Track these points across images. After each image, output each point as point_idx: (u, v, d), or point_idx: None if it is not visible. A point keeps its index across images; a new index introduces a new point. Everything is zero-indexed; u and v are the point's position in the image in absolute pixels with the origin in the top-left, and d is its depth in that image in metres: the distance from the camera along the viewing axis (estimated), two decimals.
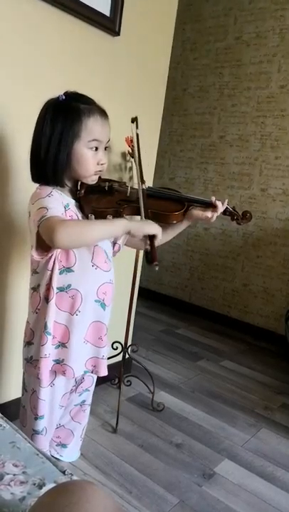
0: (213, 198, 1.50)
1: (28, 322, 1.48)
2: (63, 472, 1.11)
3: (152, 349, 3.24)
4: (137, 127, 1.43)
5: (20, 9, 1.67)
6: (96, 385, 1.71)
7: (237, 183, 3.84)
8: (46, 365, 1.41)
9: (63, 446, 1.75)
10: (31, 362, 1.45)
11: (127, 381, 2.54)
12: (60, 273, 1.37)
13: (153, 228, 1.29)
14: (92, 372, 1.52)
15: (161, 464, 1.99)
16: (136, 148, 1.45)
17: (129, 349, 2.46)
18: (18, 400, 1.89)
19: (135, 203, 1.39)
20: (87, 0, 1.84)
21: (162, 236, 1.54)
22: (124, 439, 2.12)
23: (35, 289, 1.43)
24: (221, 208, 1.48)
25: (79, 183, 1.40)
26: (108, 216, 1.38)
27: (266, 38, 3.58)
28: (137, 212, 1.39)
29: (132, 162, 2.25)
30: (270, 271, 3.71)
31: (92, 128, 1.31)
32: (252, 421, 2.45)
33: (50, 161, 1.31)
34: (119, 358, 2.36)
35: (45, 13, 1.75)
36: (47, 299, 1.38)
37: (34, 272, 1.43)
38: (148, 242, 1.28)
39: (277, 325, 3.68)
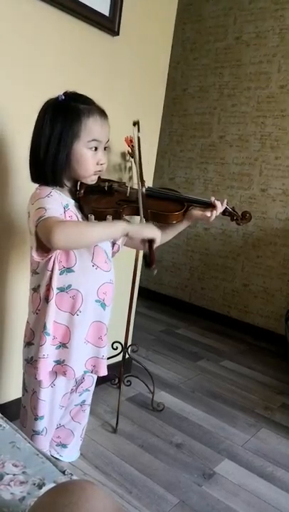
0: (213, 198, 1.50)
1: (28, 322, 1.48)
2: (63, 472, 1.11)
3: (152, 349, 3.24)
4: (138, 130, 1.42)
5: (19, 9, 1.67)
6: (96, 385, 1.71)
7: (237, 183, 3.84)
8: (45, 366, 1.41)
9: (63, 446, 1.75)
10: (31, 362, 1.45)
11: (127, 381, 2.54)
12: (61, 273, 1.37)
13: (152, 232, 1.29)
14: (91, 372, 1.52)
15: (161, 463, 1.99)
16: (136, 151, 1.45)
17: (129, 349, 2.46)
18: (18, 400, 1.89)
19: (135, 203, 1.39)
20: (86, 0, 1.84)
21: (162, 236, 1.54)
22: (124, 439, 2.12)
23: (35, 289, 1.43)
24: (220, 207, 1.48)
25: (78, 183, 1.40)
26: (108, 216, 1.38)
27: (266, 38, 3.58)
28: (136, 212, 1.39)
29: (131, 162, 2.25)
30: (270, 271, 3.71)
31: (91, 128, 1.31)
32: (252, 421, 2.45)
33: (50, 161, 1.31)
34: (119, 358, 2.36)
35: (45, 13, 1.75)
36: (47, 300, 1.38)
37: (34, 272, 1.43)
38: (147, 245, 1.28)
39: (277, 325, 3.68)
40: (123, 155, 2.24)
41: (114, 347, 2.33)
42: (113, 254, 1.56)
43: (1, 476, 1.05)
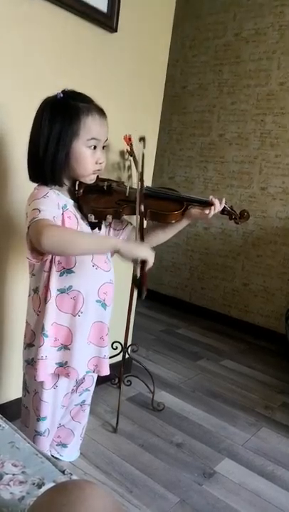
0: (211, 197, 1.48)
1: (28, 324, 1.47)
2: (63, 472, 1.10)
3: (152, 349, 3.23)
4: (144, 147, 1.41)
5: (17, 7, 1.66)
6: (96, 385, 1.71)
7: (237, 182, 3.84)
8: (44, 367, 1.40)
9: (63, 445, 1.75)
10: (32, 364, 1.44)
11: (127, 381, 2.53)
12: (61, 275, 1.36)
13: (145, 252, 1.22)
14: (94, 371, 1.52)
15: (162, 463, 1.98)
16: (140, 166, 1.44)
17: (129, 349, 2.46)
18: (17, 400, 1.89)
19: (134, 203, 1.38)
20: None
21: (162, 235, 1.54)
22: (124, 439, 2.12)
23: (35, 291, 1.42)
24: (218, 205, 1.47)
25: (77, 183, 1.40)
26: (108, 216, 1.38)
27: (266, 34, 3.57)
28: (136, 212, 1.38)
29: (130, 161, 2.25)
30: (270, 270, 3.71)
31: (90, 126, 1.30)
32: (252, 420, 2.44)
33: (49, 160, 1.30)
34: (120, 357, 2.35)
35: (43, 10, 1.74)
36: (45, 301, 1.38)
37: (32, 274, 1.43)
38: (138, 266, 1.21)
39: (277, 324, 3.67)
40: (122, 153, 2.23)
41: (114, 347, 2.32)
42: (112, 254, 1.55)
43: (0, 476, 1.05)
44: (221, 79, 3.87)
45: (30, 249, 1.28)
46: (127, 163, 2.28)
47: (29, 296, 1.47)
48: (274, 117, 3.56)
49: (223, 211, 1.50)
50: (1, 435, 1.22)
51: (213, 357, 3.24)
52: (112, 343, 2.32)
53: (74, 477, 1.10)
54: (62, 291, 1.38)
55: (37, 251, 1.27)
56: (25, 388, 1.54)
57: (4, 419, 1.30)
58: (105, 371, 1.51)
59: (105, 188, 1.45)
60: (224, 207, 1.50)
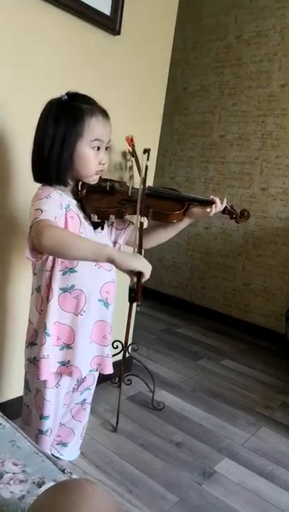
0: (212, 197, 1.49)
1: (31, 322, 1.48)
2: (63, 471, 1.11)
3: (153, 348, 3.24)
4: (148, 159, 1.42)
5: (21, 8, 1.67)
6: (96, 384, 1.72)
7: (237, 182, 3.84)
8: (46, 366, 1.41)
9: (64, 445, 1.76)
10: (34, 363, 1.45)
11: (128, 380, 2.54)
12: (63, 274, 1.37)
13: (141, 264, 1.19)
14: (96, 370, 1.53)
15: (162, 462, 1.99)
16: (142, 177, 1.44)
17: (130, 348, 2.46)
18: (18, 399, 1.90)
19: (137, 203, 1.39)
20: None
21: (164, 234, 1.55)
22: (124, 438, 2.12)
23: (37, 290, 1.44)
24: (219, 204, 1.48)
25: (80, 184, 1.41)
26: (111, 216, 1.39)
27: (267, 36, 3.57)
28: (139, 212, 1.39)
29: (132, 161, 2.26)
30: (270, 270, 3.71)
31: (94, 128, 1.32)
32: (252, 420, 2.45)
33: (54, 160, 1.31)
34: (120, 356, 2.36)
35: (46, 12, 1.75)
36: (47, 300, 1.39)
37: (33, 273, 1.44)
38: (134, 278, 1.19)
39: (277, 324, 3.68)
40: (124, 154, 2.24)
41: (115, 346, 2.32)
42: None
43: (0, 475, 1.06)
44: (223, 80, 3.87)
45: (30, 248, 1.28)
46: (129, 164, 2.28)
47: (32, 295, 1.48)
48: (275, 118, 3.57)
49: (224, 211, 1.51)
50: (1, 434, 1.23)
51: (214, 356, 3.25)
52: (113, 342, 2.32)
53: (74, 476, 1.11)
54: (64, 290, 1.39)
55: (36, 250, 1.28)
56: (27, 387, 1.55)
57: (5, 417, 1.31)
58: (109, 370, 1.52)
59: (108, 188, 1.47)
60: (225, 206, 1.51)
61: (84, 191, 1.40)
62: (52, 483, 1.02)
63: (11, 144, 1.76)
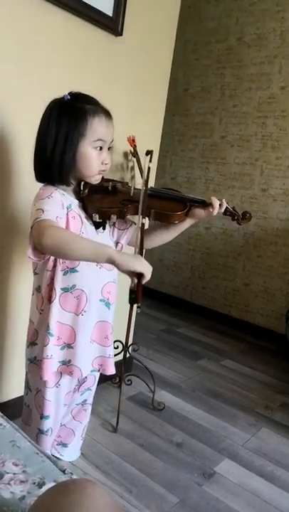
0: (213, 198, 1.48)
1: (32, 322, 1.48)
2: (63, 471, 1.11)
3: (153, 348, 3.24)
4: (150, 161, 1.42)
5: (23, 8, 1.67)
6: (97, 384, 1.71)
7: (238, 183, 3.84)
8: (49, 366, 1.41)
9: (64, 445, 1.75)
10: (35, 362, 1.45)
11: (128, 380, 2.54)
12: (64, 274, 1.37)
13: (141, 266, 1.19)
14: (98, 371, 1.53)
15: (162, 463, 1.99)
16: (144, 179, 1.44)
17: (130, 348, 2.46)
18: (18, 399, 1.90)
19: (139, 203, 1.39)
20: (89, 0, 1.84)
21: (166, 235, 1.55)
22: (124, 438, 2.13)
23: (38, 289, 1.44)
24: (217, 205, 1.46)
25: (82, 183, 1.41)
26: (112, 216, 1.39)
27: (267, 39, 3.58)
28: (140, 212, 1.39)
29: (133, 162, 2.26)
30: (270, 270, 3.71)
31: (96, 128, 1.32)
32: (252, 420, 2.45)
33: (56, 160, 1.31)
34: (120, 357, 2.36)
35: (48, 13, 1.75)
36: (50, 300, 1.39)
37: (34, 273, 1.44)
38: (135, 280, 1.19)
39: (277, 324, 3.68)
40: (125, 154, 2.24)
41: (115, 346, 2.31)
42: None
43: (1, 475, 1.06)
44: (223, 82, 3.88)
45: (32, 248, 1.29)
46: (130, 164, 2.29)
47: (32, 294, 1.48)
48: (275, 120, 3.57)
49: (225, 212, 1.51)
50: (1, 434, 1.22)
51: (214, 357, 3.25)
52: (113, 342, 2.32)
53: (74, 477, 1.11)
54: (65, 290, 1.39)
55: (38, 250, 1.28)
56: (28, 386, 1.55)
57: (5, 417, 1.31)
58: (111, 370, 1.52)
59: (110, 188, 1.47)
60: (227, 208, 1.50)
61: (86, 191, 1.40)
62: (52, 484, 1.02)
63: (11, 143, 1.76)
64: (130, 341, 2.45)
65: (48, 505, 0.79)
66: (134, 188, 1.48)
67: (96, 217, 1.38)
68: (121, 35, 2.04)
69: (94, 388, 1.70)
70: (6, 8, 1.62)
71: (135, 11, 2.08)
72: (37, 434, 1.54)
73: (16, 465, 1.10)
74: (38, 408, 1.51)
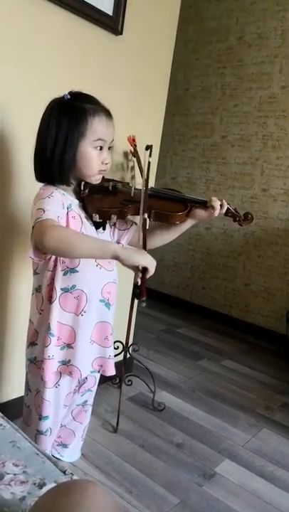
0: (214, 198, 1.48)
1: (31, 322, 1.48)
2: (64, 472, 1.11)
3: (153, 348, 3.24)
4: (150, 155, 1.42)
5: (23, 7, 1.67)
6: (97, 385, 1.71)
7: (238, 183, 3.84)
8: (50, 367, 1.41)
9: (64, 446, 1.75)
10: (35, 363, 1.45)
11: (128, 380, 2.54)
12: (64, 274, 1.37)
13: (145, 260, 1.20)
14: (98, 372, 1.52)
15: (162, 463, 1.99)
16: (145, 175, 1.44)
17: (130, 348, 2.46)
18: (18, 399, 1.90)
19: (139, 203, 1.38)
20: None
21: (167, 235, 1.54)
22: (124, 439, 2.12)
23: (37, 289, 1.43)
24: (218, 206, 1.46)
25: (82, 183, 1.40)
26: (112, 216, 1.38)
27: (268, 38, 3.58)
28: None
29: (133, 161, 2.25)
30: (271, 271, 3.71)
31: (97, 127, 1.31)
32: (253, 421, 2.44)
33: (57, 160, 1.31)
34: (120, 357, 2.35)
35: (48, 12, 1.75)
36: (50, 300, 1.38)
37: (35, 272, 1.44)
38: (139, 274, 1.19)
39: (278, 325, 3.67)
40: (125, 154, 2.24)
41: (116, 346, 2.30)
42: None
43: (1, 476, 1.05)
44: (224, 81, 3.88)
45: (33, 248, 1.28)
46: (131, 164, 2.28)
47: (32, 294, 1.48)
48: (276, 120, 3.57)
49: (227, 213, 1.50)
50: (1, 434, 1.22)
51: (214, 357, 3.24)
52: (114, 343, 2.32)
53: (75, 477, 1.10)
54: (65, 290, 1.38)
55: (40, 250, 1.28)
56: (28, 387, 1.54)
57: (5, 418, 1.30)
58: (111, 371, 1.51)
59: (110, 188, 1.46)
60: (228, 209, 1.49)
61: (86, 191, 1.40)
62: (53, 484, 1.02)
63: (11, 143, 1.76)
64: (130, 341, 2.45)
65: (49, 506, 0.78)
66: (135, 189, 1.48)
67: (96, 218, 1.38)
68: (121, 34, 2.03)
69: (94, 389, 1.69)
70: (6, 7, 1.62)
71: (135, 10, 2.08)
72: (36, 435, 1.53)
73: (17, 466, 1.10)
74: (37, 409, 1.51)
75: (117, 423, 2.19)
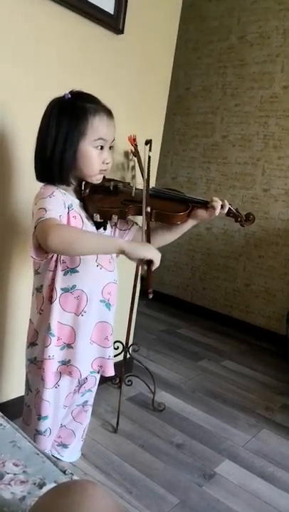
0: (215, 198, 1.47)
1: (31, 322, 1.47)
2: (64, 472, 1.10)
3: (153, 349, 3.23)
4: (150, 150, 1.41)
5: (24, 7, 1.66)
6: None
7: (239, 183, 3.84)
8: (50, 367, 1.41)
9: (64, 446, 1.75)
10: (35, 363, 1.45)
11: (128, 381, 2.53)
12: (65, 274, 1.37)
13: (150, 253, 1.21)
14: (98, 372, 1.52)
15: (162, 464, 1.98)
16: (145, 169, 1.44)
17: (130, 349, 2.46)
18: (18, 399, 1.90)
19: (140, 203, 1.38)
20: None
21: (168, 236, 1.54)
22: (124, 439, 2.12)
23: (38, 289, 1.43)
24: (219, 205, 1.46)
25: (83, 183, 1.40)
26: (113, 216, 1.38)
27: (270, 38, 3.57)
28: (141, 213, 1.38)
29: (134, 161, 2.25)
30: (271, 271, 3.71)
31: (98, 127, 1.31)
32: (253, 421, 2.44)
33: (57, 159, 1.31)
34: (120, 357, 2.35)
35: (49, 11, 1.75)
36: (50, 300, 1.38)
37: (36, 272, 1.43)
38: (144, 267, 1.21)
39: (278, 325, 3.67)
40: (126, 154, 2.24)
41: (116, 346, 2.31)
42: (118, 255, 1.55)
43: (1, 476, 1.05)
44: (225, 81, 3.87)
45: (35, 248, 1.28)
46: (131, 164, 2.28)
47: (33, 295, 1.47)
48: (277, 120, 3.57)
49: (228, 213, 1.49)
50: (2, 434, 1.22)
51: (214, 357, 3.24)
52: (114, 343, 2.32)
53: (75, 477, 1.10)
54: (66, 290, 1.38)
55: (42, 250, 1.28)
56: (28, 387, 1.54)
57: (5, 418, 1.30)
58: (110, 372, 1.51)
59: (111, 188, 1.46)
60: (230, 209, 1.49)
61: (87, 191, 1.39)
62: (53, 484, 1.01)
63: (11, 142, 1.76)
64: (130, 342, 2.45)
65: (49, 506, 0.78)
66: (136, 189, 1.48)
67: (97, 217, 1.37)
68: (122, 33, 2.03)
69: (95, 389, 1.69)
70: (6, 5, 1.62)
71: (136, 9, 2.07)
72: (35, 435, 1.53)
73: (17, 465, 1.10)
74: (36, 409, 1.51)
75: (117, 423, 2.19)
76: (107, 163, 1.37)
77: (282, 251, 3.62)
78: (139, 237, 1.49)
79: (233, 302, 3.98)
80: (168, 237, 1.54)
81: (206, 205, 1.47)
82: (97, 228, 1.42)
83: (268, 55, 3.59)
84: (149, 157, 1.41)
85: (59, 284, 1.36)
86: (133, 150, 2.11)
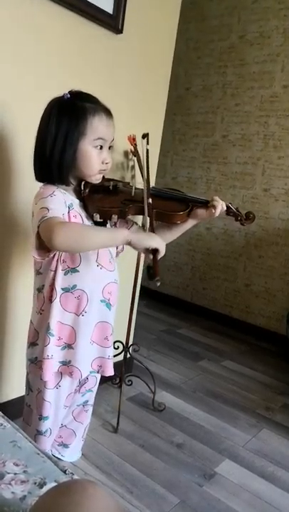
0: (215, 197, 1.48)
1: (32, 323, 1.47)
2: (64, 471, 1.10)
3: (153, 349, 3.23)
4: (147, 143, 1.41)
5: (24, 6, 1.66)
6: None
7: (239, 183, 3.84)
8: (50, 366, 1.41)
9: (65, 446, 1.75)
10: (36, 363, 1.45)
11: (128, 381, 2.53)
12: (65, 274, 1.36)
13: (155, 242, 1.24)
14: (98, 372, 1.52)
15: (162, 463, 1.98)
16: (144, 163, 1.44)
17: (131, 349, 2.46)
18: (18, 399, 1.90)
19: (140, 203, 1.38)
20: None
21: (168, 235, 1.54)
22: (124, 439, 2.12)
23: (39, 289, 1.42)
24: (220, 205, 1.46)
25: (83, 183, 1.40)
26: (113, 216, 1.38)
27: (270, 37, 3.57)
28: (141, 212, 1.38)
29: (134, 161, 2.25)
30: (271, 271, 3.71)
31: (97, 127, 1.31)
32: (253, 421, 2.44)
33: (56, 159, 1.31)
34: (121, 357, 2.35)
35: (49, 10, 1.75)
36: (50, 300, 1.38)
37: (38, 272, 1.43)
38: (150, 256, 1.24)
39: (278, 325, 3.67)
40: (126, 153, 2.24)
41: (116, 346, 2.32)
42: (117, 254, 1.56)
43: (1, 475, 1.05)
44: (225, 80, 3.87)
45: (36, 248, 1.28)
46: (131, 163, 2.28)
47: (34, 295, 1.47)
48: (277, 119, 3.57)
49: (228, 212, 1.50)
50: (2, 434, 1.22)
51: (214, 357, 3.24)
52: (114, 343, 2.31)
53: (75, 477, 1.10)
54: (66, 290, 1.38)
55: (43, 249, 1.28)
56: (29, 387, 1.54)
57: (6, 418, 1.30)
58: (110, 372, 1.51)
59: (111, 187, 1.46)
60: (230, 208, 1.49)
61: (87, 190, 1.39)
62: (53, 484, 1.02)
63: (11, 142, 1.75)
64: (131, 342, 2.45)
65: (49, 505, 0.78)
66: (136, 188, 1.48)
67: (97, 217, 1.38)
68: (121, 33, 2.03)
69: (95, 389, 1.69)
70: (5, 6, 1.61)
71: (136, 9, 2.07)
72: (35, 435, 1.53)
73: (17, 465, 1.10)
74: (37, 409, 1.51)
75: (118, 423, 2.19)
76: (106, 163, 1.37)
77: (283, 251, 3.62)
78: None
79: (233, 302, 3.98)
80: (168, 236, 1.54)
81: (207, 204, 1.47)
82: None
83: (268, 54, 3.59)
84: (148, 150, 1.41)
85: (59, 284, 1.36)
86: (133, 149, 2.11)
